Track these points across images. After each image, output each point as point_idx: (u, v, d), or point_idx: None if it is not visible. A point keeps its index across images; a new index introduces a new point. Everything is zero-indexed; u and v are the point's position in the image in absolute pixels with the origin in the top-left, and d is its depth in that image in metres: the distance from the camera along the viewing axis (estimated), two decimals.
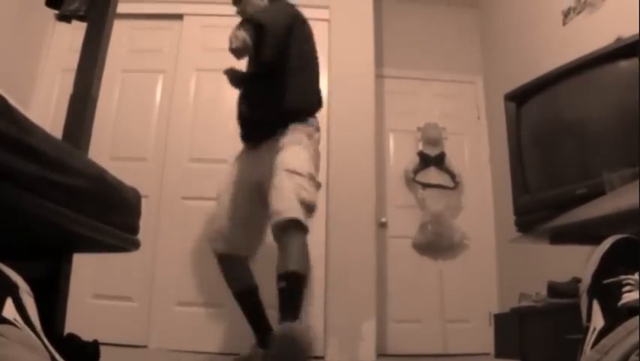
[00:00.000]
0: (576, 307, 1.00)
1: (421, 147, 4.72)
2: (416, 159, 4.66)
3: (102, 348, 1.62)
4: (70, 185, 1.24)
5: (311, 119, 2.90)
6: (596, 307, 0.90)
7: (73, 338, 1.51)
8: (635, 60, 2.17)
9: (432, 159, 4.67)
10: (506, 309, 3.09)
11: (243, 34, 2.61)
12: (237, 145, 4.07)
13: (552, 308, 2.56)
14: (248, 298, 2.93)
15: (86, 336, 1.56)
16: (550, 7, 3.73)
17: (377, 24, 4.54)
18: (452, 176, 4.64)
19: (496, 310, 3.82)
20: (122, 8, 2.14)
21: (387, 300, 4.33)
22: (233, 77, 2.99)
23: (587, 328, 0.89)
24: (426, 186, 4.59)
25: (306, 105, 2.94)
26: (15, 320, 0.83)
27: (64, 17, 2.04)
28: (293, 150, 2.73)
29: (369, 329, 3.79)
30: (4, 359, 0.68)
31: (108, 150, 3.95)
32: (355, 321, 3.75)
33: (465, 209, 4.61)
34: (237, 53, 2.68)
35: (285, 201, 2.56)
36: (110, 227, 1.49)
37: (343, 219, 3.95)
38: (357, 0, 4.49)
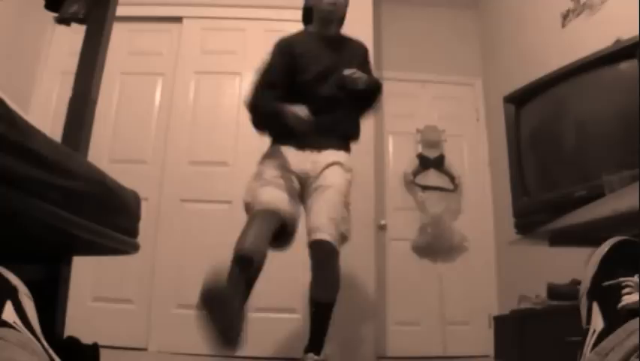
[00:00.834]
0: (576, 310, 1.00)
1: (420, 149, 4.72)
2: (415, 162, 4.66)
3: (102, 351, 1.62)
4: (70, 188, 1.24)
5: None
6: (596, 309, 0.90)
7: (73, 340, 1.51)
8: (634, 62, 2.17)
9: (431, 162, 4.67)
10: (506, 311, 3.09)
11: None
12: (236, 148, 4.09)
13: (552, 310, 2.56)
14: (250, 269, 2.66)
15: (86, 339, 1.56)
16: (549, 9, 3.74)
17: (376, 26, 4.54)
18: (452, 178, 4.64)
19: (495, 312, 3.81)
20: (121, 11, 2.14)
21: (386, 302, 4.32)
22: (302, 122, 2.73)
23: (587, 330, 0.89)
24: (425, 188, 4.59)
25: (358, 139, 3.00)
26: (14, 323, 0.83)
27: (63, 20, 2.04)
28: (346, 177, 2.77)
29: (368, 331, 3.79)
30: None
31: (107, 152, 3.96)
32: (355, 323, 3.75)
33: (464, 211, 4.61)
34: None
35: (330, 224, 2.56)
36: (109, 230, 1.49)
37: None
38: (357, 2, 4.48)
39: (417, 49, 4.99)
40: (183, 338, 3.64)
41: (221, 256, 3.81)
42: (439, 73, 4.94)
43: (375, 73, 4.29)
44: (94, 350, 1.58)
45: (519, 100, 2.85)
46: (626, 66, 2.23)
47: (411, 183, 4.59)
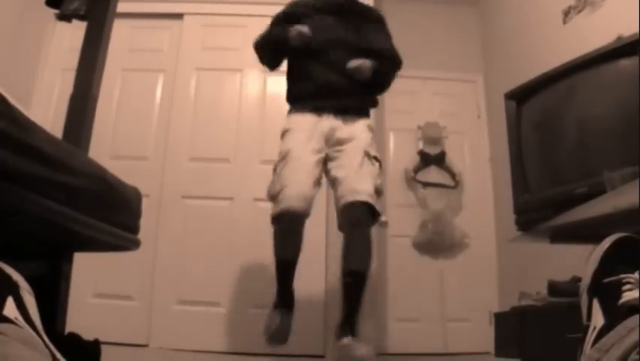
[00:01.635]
0: (576, 306, 1.00)
1: (421, 145, 4.72)
2: (416, 158, 4.66)
3: (103, 347, 1.62)
4: (71, 184, 1.24)
5: None
6: (596, 306, 0.90)
7: (74, 337, 1.51)
8: (635, 59, 2.17)
9: (432, 158, 4.67)
10: (507, 308, 3.10)
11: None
12: (237, 144, 4.09)
13: (552, 307, 2.56)
14: (292, 269, 2.74)
15: (87, 335, 1.55)
16: (551, 5, 3.73)
17: None
18: (452, 175, 4.64)
19: (496, 309, 3.82)
20: (122, 7, 2.14)
21: (387, 299, 4.33)
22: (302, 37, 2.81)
23: (587, 327, 0.89)
24: (426, 185, 4.59)
25: (376, 104, 3.06)
26: (16, 318, 0.83)
27: (64, 17, 2.03)
28: (371, 137, 2.79)
29: (369, 327, 3.79)
30: (5, 357, 0.68)
31: (108, 149, 3.96)
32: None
33: (465, 208, 4.61)
34: None
35: (364, 184, 2.59)
36: (110, 226, 1.49)
37: None
38: None
39: (418, 45, 4.98)
40: (184, 334, 3.66)
41: (222, 254, 3.82)
42: (440, 69, 4.94)
43: None
44: (95, 346, 1.58)
45: (520, 97, 2.85)
46: (628, 63, 2.23)
47: (412, 179, 4.59)
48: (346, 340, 2.52)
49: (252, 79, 4.27)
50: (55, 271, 1.63)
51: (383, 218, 4.43)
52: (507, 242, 3.34)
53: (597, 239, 1.04)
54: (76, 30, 2.02)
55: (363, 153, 2.68)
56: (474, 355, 4.12)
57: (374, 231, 4.03)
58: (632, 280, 0.88)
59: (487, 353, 3.91)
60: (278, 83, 4.30)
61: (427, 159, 4.66)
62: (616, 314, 0.84)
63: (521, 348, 2.70)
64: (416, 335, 4.32)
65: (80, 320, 1.91)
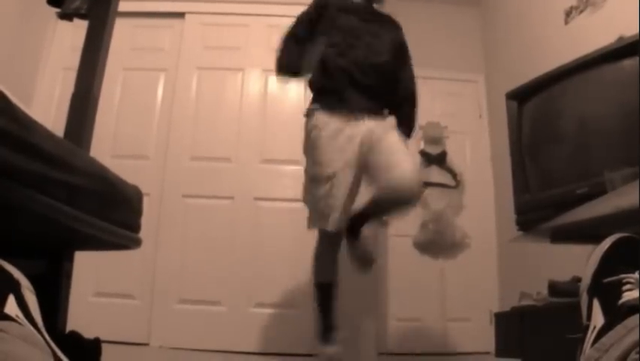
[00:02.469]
0: (577, 307, 1.00)
1: (422, 145, 4.71)
2: (418, 158, 4.65)
3: (103, 346, 1.62)
4: (72, 183, 1.24)
5: None
6: (596, 305, 0.90)
7: (74, 335, 1.52)
8: (636, 59, 2.17)
9: (433, 158, 4.66)
10: (507, 308, 3.10)
11: None
12: (238, 143, 4.09)
13: (553, 307, 2.56)
14: (333, 290, 2.83)
15: (87, 334, 1.56)
16: (553, 5, 3.73)
17: None
18: (454, 175, 4.63)
19: (497, 309, 3.82)
20: (123, 6, 2.15)
21: (388, 299, 4.33)
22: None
23: (587, 326, 0.89)
24: (427, 184, 4.58)
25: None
26: (17, 316, 0.84)
27: (65, 16, 2.04)
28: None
29: (369, 327, 3.80)
30: (6, 354, 0.68)
31: (110, 147, 3.96)
32: (356, 320, 3.75)
33: (466, 208, 4.60)
34: None
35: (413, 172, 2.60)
36: (111, 225, 1.49)
37: None
38: None
39: (419, 45, 4.94)
40: (185, 333, 3.66)
41: (223, 253, 3.82)
42: (441, 69, 4.93)
43: None
44: (96, 344, 1.59)
45: (521, 97, 2.85)
46: (629, 63, 2.23)
47: None
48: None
49: (254, 78, 4.27)
50: (56, 269, 1.64)
51: (383, 218, 4.44)
52: (508, 242, 3.33)
53: (598, 239, 1.04)
54: (78, 29, 2.02)
55: (401, 142, 2.70)
56: (474, 355, 4.12)
57: (374, 230, 4.05)
58: (632, 280, 0.88)
59: (487, 353, 3.92)
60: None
61: (428, 159, 4.65)
62: (616, 314, 0.84)
63: (522, 348, 2.70)
64: (417, 335, 4.32)
65: (80, 319, 1.91)
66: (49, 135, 1.17)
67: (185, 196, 3.99)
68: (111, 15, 1.96)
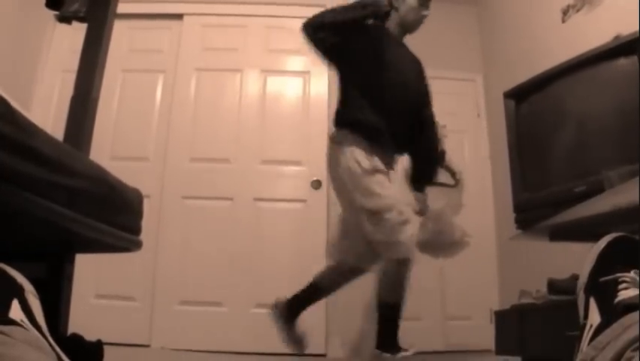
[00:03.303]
0: (576, 304, 1.01)
1: None
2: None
3: (105, 348, 1.63)
4: (73, 186, 1.25)
5: None
6: (593, 304, 0.91)
7: (76, 337, 1.52)
8: (633, 58, 2.18)
9: None
10: (507, 306, 3.11)
11: None
12: (237, 145, 4.10)
13: (552, 305, 2.57)
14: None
15: (89, 336, 1.56)
16: (550, 4, 3.74)
17: None
18: (452, 174, 4.63)
19: (496, 307, 3.82)
20: (122, 8, 2.15)
21: None
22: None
23: (584, 325, 0.90)
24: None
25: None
26: (22, 320, 0.84)
27: (64, 19, 2.04)
28: None
29: (370, 326, 3.80)
30: (12, 359, 0.69)
31: (109, 149, 3.97)
32: (356, 318, 3.76)
33: (465, 207, 4.61)
34: None
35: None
36: (112, 228, 1.50)
37: None
38: None
39: (417, 44, 4.96)
40: (186, 334, 3.67)
41: (223, 254, 3.83)
42: (439, 68, 4.92)
43: None
44: (98, 346, 1.59)
45: (519, 96, 2.86)
46: (626, 62, 2.24)
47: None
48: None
49: (252, 79, 4.28)
50: (57, 272, 1.64)
51: None
52: (507, 240, 3.34)
53: (596, 237, 1.05)
54: (77, 31, 2.03)
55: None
56: (474, 353, 4.13)
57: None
58: (628, 279, 0.89)
59: (487, 350, 3.92)
60: (278, 83, 4.33)
61: None
62: (612, 313, 0.85)
63: (522, 346, 2.71)
64: (417, 333, 4.31)
65: (82, 321, 1.92)
66: (50, 139, 1.18)
67: (184, 198, 3.99)
68: (110, 18, 1.96)
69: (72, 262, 1.72)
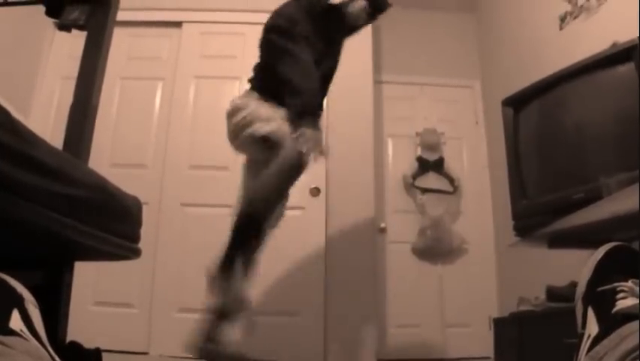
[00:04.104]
0: (574, 312, 1.01)
1: (419, 152, 4.73)
2: (415, 164, 4.67)
3: (103, 355, 1.63)
4: (72, 195, 1.25)
5: None
6: (591, 314, 0.91)
7: (75, 345, 1.52)
8: (630, 65, 2.19)
9: (431, 164, 4.68)
10: (506, 313, 3.11)
11: None
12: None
13: (551, 312, 2.58)
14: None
15: (87, 343, 1.56)
16: (547, 11, 3.75)
17: (375, 29, 4.55)
18: (451, 181, 4.65)
19: (495, 314, 3.82)
20: (121, 16, 2.15)
21: (386, 305, 4.33)
22: None
23: (582, 334, 0.90)
24: (425, 191, 4.60)
25: None
26: (21, 331, 0.84)
27: (64, 27, 2.04)
28: None
29: (369, 334, 3.80)
30: None
31: (108, 157, 3.97)
32: (355, 326, 3.76)
33: (464, 214, 4.62)
34: None
35: None
36: (111, 236, 1.50)
37: (342, 224, 3.96)
38: None
39: (416, 52, 5.00)
40: (184, 341, 3.66)
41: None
42: (437, 76, 4.95)
43: (374, 76, 4.31)
44: (96, 354, 1.59)
45: (517, 103, 2.87)
46: (623, 69, 2.25)
47: (410, 185, 4.60)
48: None
49: None
50: (56, 280, 1.64)
51: (382, 224, 4.45)
52: (506, 247, 3.35)
53: (595, 244, 1.05)
54: (76, 38, 2.03)
55: None
56: (473, 360, 4.13)
57: (374, 237, 4.07)
58: (626, 289, 0.89)
59: (486, 358, 3.92)
60: None
61: (425, 165, 4.67)
62: (610, 322, 0.85)
63: (520, 353, 2.71)
64: (416, 341, 4.32)
65: (80, 328, 1.92)
66: (49, 148, 1.18)
67: (183, 205, 3.99)
68: (109, 26, 1.97)
69: (71, 269, 1.72)
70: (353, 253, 3.92)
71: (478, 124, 4.85)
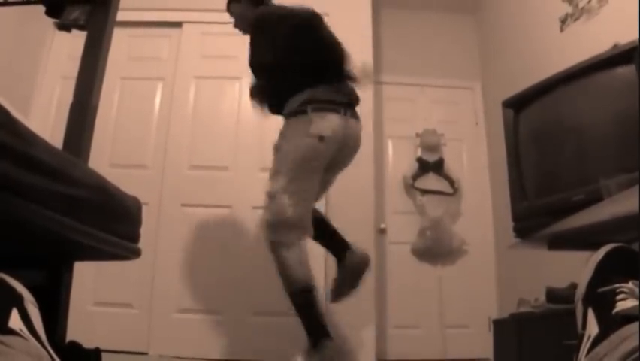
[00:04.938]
0: (574, 313, 1.01)
1: (419, 153, 4.73)
2: (415, 165, 4.67)
3: (103, 355, 1.62)
4: (72, 195, 1.25)
5: None
6: (591, 315, 0.91)
7: (74, 345, 1.52)
8: (631, 67, 2.18)
9: (431, 165, 4.68)
10: (505, 314, 3.10)
11: None
12: (236, 152, 4.10)
13: (550, 314, 2.57)
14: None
15: (87, 343, 1.56)
16: (548, 13, 3.75)
17: (375, 31, 4.56)
18: (451, 182, 4.65)
19: (495, 315, 3.82)
20: (121, 16, 2.15)
21: (386, 306, 4.33)
22: None
23: (582, 335, 0.90)
24: (425, 192, 4.60)
25: None
26: (21, 330, 0.84)
27: (64, 26, 2.04)
28: None
29: (368, 335, 3.80)
30: None
31: (108, 157, 3.97)
32: (355, 327, 3.75)
33: (464, 215, 4.62)
34: None
35: None
36: (110, 236, 1.50)
37: (342, 225, 3.94)
38: (356, 7, 4.51)
39: (416, 53, 5.00)
40: (184, 342, 3.66)
41: (221, 262, 3.83)
42: (438, 77, 4.96)
43: (374, 77, 4.30)
44: (96, 354, 1.59)
45: (518, 104, 2.86)
46: (624, 71, 2.25)
47: (410, 186, 4.60)
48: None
49: None
50: (56, 280, 1.64)
51: (382, 225, 4.45)
52: (506, 249, 3.35)
53: (594, 246, 1.05)
54: (76, 38, 2.03)
55: None
56: None
57: (374, 238, 4.06)
58: (626, 290, 0.89)
59: (486, 359, 3.91)
60: None
61: (425, 167, 4.67)
62: (610, 323, 0.85)
63: (520, 354, 2.70)
64: (415, 342, 4.32)
65: (80, 328, 1.92)
66: (49, 148, 1.18)
67: (183, 205, 3.99)
68: (109, 26, 1.97)
69: (71, 269, 1.72)
70: None
71: (478, 125, 4.85)
